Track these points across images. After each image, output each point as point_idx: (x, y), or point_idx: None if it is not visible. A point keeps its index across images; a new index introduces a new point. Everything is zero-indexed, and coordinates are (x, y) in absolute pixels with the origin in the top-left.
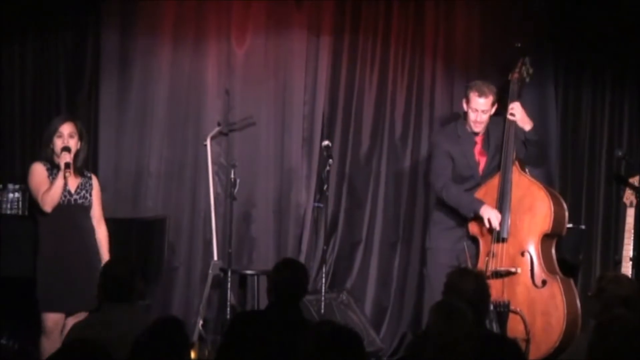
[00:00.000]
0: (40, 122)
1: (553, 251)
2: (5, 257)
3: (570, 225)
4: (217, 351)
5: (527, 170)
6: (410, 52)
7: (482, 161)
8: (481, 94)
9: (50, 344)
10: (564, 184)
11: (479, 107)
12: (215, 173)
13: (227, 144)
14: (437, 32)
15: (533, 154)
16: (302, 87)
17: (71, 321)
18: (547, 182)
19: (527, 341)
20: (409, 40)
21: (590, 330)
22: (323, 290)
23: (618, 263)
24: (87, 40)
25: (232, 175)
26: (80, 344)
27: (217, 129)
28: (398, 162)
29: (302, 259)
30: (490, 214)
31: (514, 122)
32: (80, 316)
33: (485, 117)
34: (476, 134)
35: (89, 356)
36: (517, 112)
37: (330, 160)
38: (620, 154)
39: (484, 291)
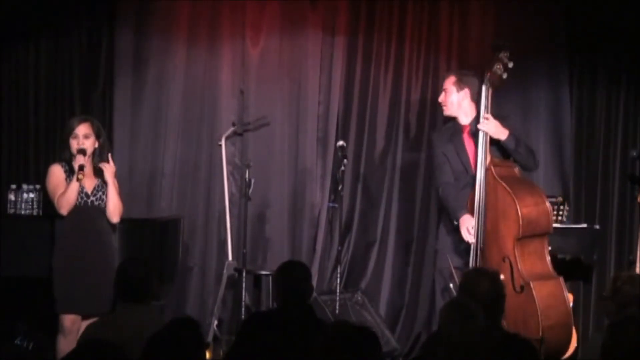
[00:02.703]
0: (55, 123)
1: (544, 252)
2: (19, 257)
3: (584, 226)
4: (227, 350)
5: (516, 168)
6: (424, 52)
7: (473, 153)
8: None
9: (67, 344)
10: (578, 183)
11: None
12: (229, 173)
13: (242, 144)
14: (452, 32)
15: (521, 161)
16: (317, 87)
17: (87, 323)
18: (562, 182)
19: (541, 341)
20: (424, 40)
21: (604, 330)
22: (338, 291)
23: (632, 263)
24: (101, 40)
25: (247, 176)
26: (95, 344)
27: (231, 129)
28: (412, 162)
29: (316, 259)
30: (464, 226)
31: (486, 131)
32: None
33: (441, 97)
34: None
35: (103, 356)
36: (491, 127)
37: (345, 161)
38: (634, 154)
39: (499, 291)
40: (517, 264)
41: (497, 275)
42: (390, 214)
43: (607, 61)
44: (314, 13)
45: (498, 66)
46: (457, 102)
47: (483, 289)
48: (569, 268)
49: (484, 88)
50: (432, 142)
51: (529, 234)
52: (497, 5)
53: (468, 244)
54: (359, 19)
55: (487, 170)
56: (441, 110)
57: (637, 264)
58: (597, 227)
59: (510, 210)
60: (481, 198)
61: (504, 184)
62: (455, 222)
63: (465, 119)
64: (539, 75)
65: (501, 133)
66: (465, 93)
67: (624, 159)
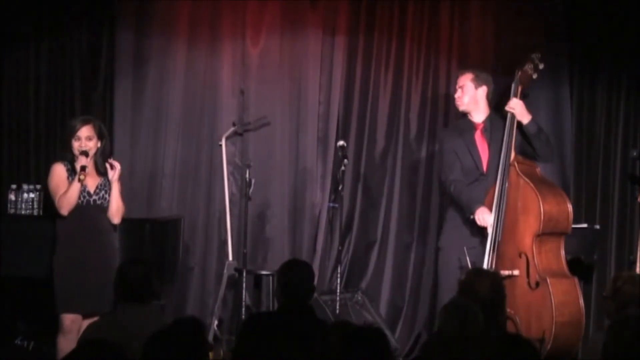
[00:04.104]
0: (55, 122)
1: (560, 251)
2: (19, 257)
3: (584, 226)
4: (232, 353)
5: (538, 168)
6: (425, 52)
7: (484, 150)
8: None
9: (68, 343)
10: (578, 183)
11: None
12: (230, 173)
13: (242, 144)
14: (452, 32)
15: (541, 148)
16: (317, 87)
17: (87, 322)
18: (562, 182)
19: (542, 341)
20: (424, 40)
21: (604, 330)
22: (338, 291)
23: (633, 263)
24: (102, 40)
25: (247, 176)
26: (95, 344)
27: (232, 129)
28: (413, 162)
29: (317, 259)
30: (480, 217)
31: (513, 117)
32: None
33: (458, 93)
34: (477, 123)
35: (103, 356)
36: (517, 107)
37: (345, 160)
38: (635, 154)
39: (499, 292)
40: (534, 260)
41: (497, 275)
42: (390, 214)
43: (607, 61)
44: (314, 13)
45: (529, 66)
46: (474, 98)
47: (483, 289)
48: (569, 268)
49: (513, 86)
50: (441, 138)
51: (549, 231)
52: (497, 5)
53: (473, 242)
54: (359, 19)
55: (510, 166)
56: (441, 110)
57: (638, 264)
58: (597, 227)
59: (532, 205)
60: (503, 190)
61: (527, 180)
62: (472, 216)
63: (478, 116)
64: (539, 75)
65: (525, 115)
66: (483, 90)
67: (624, 159)
